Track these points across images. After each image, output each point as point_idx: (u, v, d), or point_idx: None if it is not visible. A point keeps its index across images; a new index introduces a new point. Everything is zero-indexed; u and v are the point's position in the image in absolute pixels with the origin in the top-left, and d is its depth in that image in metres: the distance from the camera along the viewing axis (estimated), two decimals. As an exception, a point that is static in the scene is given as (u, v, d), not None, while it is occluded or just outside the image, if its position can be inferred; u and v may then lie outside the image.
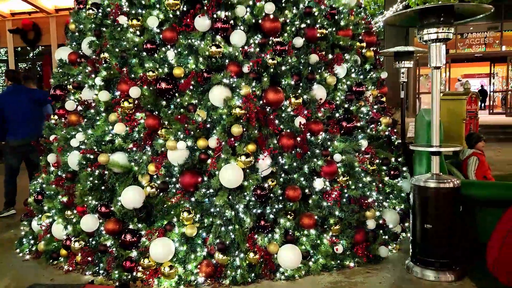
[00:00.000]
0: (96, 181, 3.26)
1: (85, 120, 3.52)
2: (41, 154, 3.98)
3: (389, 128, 4.07)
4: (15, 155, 5.23)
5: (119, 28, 3.47)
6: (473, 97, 5.56)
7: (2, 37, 18.22)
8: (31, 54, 18.47)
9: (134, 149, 3.25)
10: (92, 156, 3.26)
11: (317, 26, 3.58)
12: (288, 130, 3.25)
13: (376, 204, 3.54)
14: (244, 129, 3.08)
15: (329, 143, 3.38)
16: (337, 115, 3.57)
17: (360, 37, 4.03)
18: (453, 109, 5.33)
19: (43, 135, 3.98)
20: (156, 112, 3.24)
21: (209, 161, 3.08)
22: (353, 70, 3.79)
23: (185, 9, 3.35)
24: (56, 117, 3.86)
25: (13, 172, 5.28)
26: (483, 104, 22.16)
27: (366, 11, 14.27)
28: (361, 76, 3.92)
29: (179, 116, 3.13)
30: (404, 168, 3.99)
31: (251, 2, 3.38)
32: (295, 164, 3.23)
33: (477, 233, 3.28)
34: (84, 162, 3.27)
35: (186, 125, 3.11)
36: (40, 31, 17.50)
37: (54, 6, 17.10)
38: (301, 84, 3.40)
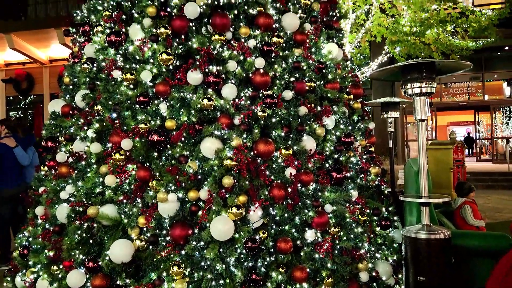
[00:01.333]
0: (84, 235, 3.21)
1: (76, 172, 3.52)
2: (28, 206, 3.93)
3: (379, 178, 4.11)
4: (8, 204, 5.17)
5: (113, 82, 3.56)
6: (459, 146, 5.70)
7: (-6, 87, 18.38)
8: (23, 103, 18.59)
9: (124, 201, 3.23)
10: (81, 209, 3.23)
11: (306, 79, 3.71)
12: (279, 181, 3.27)
13: (368, 255, 3.52)
14: (235, 180, 3.10)
15: (319, 193, 3.40)
16: (327, 165, 3.62)
17: (348, 90, 4.17)
18: (440, 158, 5.44)
19: (32, 187, 3.95)
20: (148, 164, 3.26)
21: (200, 213, 3.07)
22: (341, 121, 3.89)
23: (178, 64, 3.46)
24: (46, 168, 3.85)
25: (5, 222, 5.19)
26: (470, 151, 22.55)
27: (352, 62, 14.81)
28: (350, 127, 4.01)
29: (170, 168, 3.15)
30: (396, 218, 4.00)
31: (242, 57, 3.51)
32: (286, 215, 3.23)
33: (472, 282, 3.25)
34: (73, 215, 3.23)
35: (177, 176, 3.11)
36: (33, 81, 17.75)
37: (48, 57, 17.47)
38: (291, 135, 3.47)
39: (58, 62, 17.19)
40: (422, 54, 11.66)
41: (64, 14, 21.72)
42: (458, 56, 11.67)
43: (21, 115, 18.47)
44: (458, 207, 4.48)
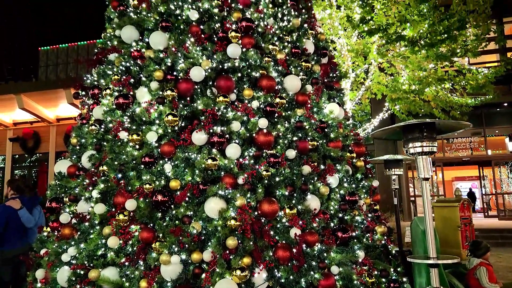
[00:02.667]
0: (84, 299, 3.12)
1: (79, 233, 3.49)
2: (29, 269, 3.85)
3: (385, 237, 4.05)
4: (9, 266, 5.07)
5: (119, 143, 3.63)
6: (465, 203, 5.65)
7: (1, 145, 18.70)
8: (28, 161, 18.77)
9: (127, 263, 3.17)
10: (82, 272, 3.16)
11: (309, 138, 3.78)
12: (284, 242, 3.22)
13: (378, 319, 3.38)
14: (239, 241, 3.06)
15: (325, 254, 3.34)
16: (332, 225, 3.58)
17: (350, 148, 4.22)
18: (447, 216, 5.37)
19: (34, 249, 3.89)
20: (151, 225, 3.24)
21: (203, 275, 3.00)
22: (345, 180, 3.90)
23: (183, 124, 3.55)
24: (49, 229, 3.83)
25: (5, 284, 5.06)
26: (473, 207, 22.21)
27: (354, 119, 15.05)
28: (353, 186, 4.01)
29: (174, 229, 3.12)
30: (405, 279, 3.88)
31: (245, 118, 3.60)
32: (291, 277, 3.14)
33: None
34: (74, 279, 3.16)
35: (180, 237, 3.08)
36: (39, 140, 18.05)
37: (55, 116, 17.88)
38: (295, 194, 3.47)
39: (65, 121, 17.58)
40: (422, 110, 11.87)
41: (73, 75, 22.56)
42: (458, 113, 11.86)
43: (26, 173, 18.58)
44: (472, 268, 4.34)
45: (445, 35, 9.79)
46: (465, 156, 19.36)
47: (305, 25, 4.67)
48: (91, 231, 3.41)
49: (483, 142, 18.94)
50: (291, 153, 3.61)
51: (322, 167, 3.76)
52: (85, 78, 4.50)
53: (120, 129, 3.65)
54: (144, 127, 3.60)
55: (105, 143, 3.74)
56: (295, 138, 3.73)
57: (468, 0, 10.83)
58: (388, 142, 16.20)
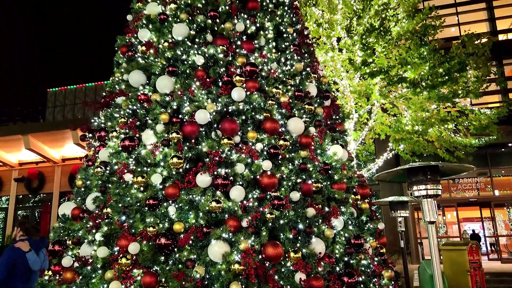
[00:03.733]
0: None
1: (80, 277, 3.44)
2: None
3: (393, 282, 3.95)
4: None
5: (124, 185, 3.64)
6: (474, 247, 5.53)
7: (6, 185, 18.74)
8: (32, 201, 18.73)
9: (128, 309, 3.11)
10: (82, 318, 3.09)
11: (312, 180, 3.78)
12: (289, 287, 3.15)
13: None
14: (244, 286, 3.00)
15: (331, 300, 3.25)
16: (337, 269, 3.52)
17: (355, 190, 4.20)
18: (455, 259, 5.25)
19: (34, 294, 3.83)
20: (154, 269, 3.19)
21: (206, 322, 2.92)
22: (350, 222, 3.86)
23: (187, 166, 3.58)
24: (50, 273, 3.77)
25: None
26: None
27: (358, 159, 15.03)
28: (359, 228, 3.97)
29: (177, 273, 3.08)
30: (413, 326, 3.75)
31: (249, 160, 3.62)
32: (297, 324, 3.06)
33: None
34: (74, 325, 3.09)
35: (183, 282, 3.03)
36: (44, 180, 18.09)
37: (61, 156, 18.01)
38: (299, 238, 3.43)
39: (71, 161, 17.69)
40: (426, 151, 11.88)
41: (80, 116, 22.92)
42: (463, 153, 11.85)
43: (29, 214, 18.50)
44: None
45: (446, 77, 9.97)
46: (471, 196, 19.13)
47: (308, 69, 4.78)
48: (93, 275, 3.36)
49: (489, 182, 18.78)
50: (295, 195, 3.61)
51: (326, 209, 3.74)
52: (92, 120, 4.58)
53: (125, 171, 3.67)
54: (149, 169, 3.63)
55: (110, 185, 3.76)
56: (299, 180, 3.74)
57: (467, 43, 11.10)
58: (393, 184, 16.10)
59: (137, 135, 3.86)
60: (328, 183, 3.94)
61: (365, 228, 4.06)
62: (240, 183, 3.51)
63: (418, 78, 10.20)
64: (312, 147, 4.06)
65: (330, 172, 4.01)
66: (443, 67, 10.04)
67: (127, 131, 3.95)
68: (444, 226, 19.30)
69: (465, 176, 19.00)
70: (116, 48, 4.88)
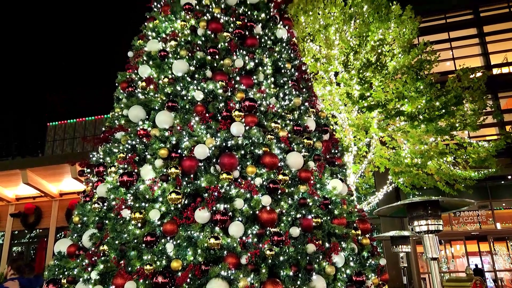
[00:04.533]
0: None
1: (74, 317, 3.34)
2: None
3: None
4: None
5: (121, 221, 3.59)
6: (478, 283, 5.40)
7: (2, 221, 18.51)
8: (27, 237, 18.44)
9: None
10: None
11: (312, 216, 3.74)
12: (289, 327, 3.06)
13: None
14: (242, 327, 2.90)
15: None
16: (339, 308, 3.42)
17: (355, 225, 4.15)
18: (459, 296, 5.12)
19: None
20: (150, 308, 3.10)
21: None
22: (351, 258, 3.79)
23: (186, 202, 3.54)
24: (43, 314, 3.66)
25: None
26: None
27: (358, 192, 14.95)
28: (360, 265, 3.89)
29: (174, 313, 2.98)
30: None
31: (248, 195, 3.59)
32: None
33: None
34: None
35: (180, 323, 2.93)
36: (41, 215, 17.88)
37: (59, 190, 17.88)
38: (300, 275, 3.35)
39: (68, 195, 17.55)
40: (426, 184, 11.83)
41: (79, 150, 22.93)
42: (463, 186, 11.80)
43: (24, 250, 18.15)
44: None
45: (443, 111, 10.06)
46: (473, 230, 18.90)
47: (306, 104, 4.83)
48: (88, 316, 3.26)
49: (491, 215, 18.60)
50: (295, 231, 3.56)
51: (327, 245, 3.68)
52: (91, 155, 4.58)
53: (123, 207, 3.63)
54: (147, 205, 3.59)
55: (107, 222, 3.71)
56: (298, 215, 3.70)
57: (463, 77, 11.29)
58: (394, 219, 15.95)
59: (136, 170, 3.85)
60: (328, 218, 3.89)
61: (367, 264, 3.98)
62: (239, 218, 3.47)
63: (415, 111, 10.29)
64: (312, 182, 4.04)
65: (330, 206, 3.97)
66: (439, 101, 10.15)
67: (125, 166, 3.94)
68: (446, 261, 18.96)
69: (466, 210, 18.84)
70: (116, 84, 4.94)
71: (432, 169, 11.37)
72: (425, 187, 12.29)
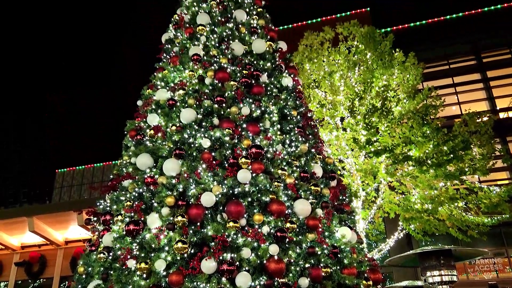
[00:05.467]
0: None
1: None
2: None
3: None
4: None
5: (126, 272, 3.53)
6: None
7: (6, 270, 18.22)
8: (31, 286, 18.05)
9: None
10: None
11: (321, 265, 3.64)
12: None
13: None
14: None
15: None
16: None
17: (366, 275, 4.02)
18: None
19: None
20: None
21: None
22: (363, 310, 3.64)
23: (192, 251, 3.48)
24: None
25: None
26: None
27: (368, 238, 14.60)
28: (373, 317, 3.74)
29: None
30: None
31: (256, 244, 3.52)
32: None
33: None
34: None
35: None
36: (45, 264, 17.59)
37: (64, 238, 17.71)
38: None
39: (74, 243, 17.34)
40: (438, 230, 11.54)
41: (86, 196, 22.92)
42: (476, 232, 11.49)
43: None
44: None
45: (451, 155, 10.00)
46: (490, 279, 18.19)
47: (313, 150, 4.84)
48: None
49: (507, 263, 17.96)
50: (304, 282, 3.45)
51: (337, 296, 3.55)
52: (98, 203, 4.57)
53: (129, 256, 3.58)
54: (153, 255, 3.53)
55: (112, 272, 3.64)
56: (307, 265, 3.61)
57: (469, 122, 11.30)
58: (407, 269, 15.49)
59: (142, 219, 3.82)
60: (338, 267, 3.78)
61: (380, 316, 3.82)
62: (246, 268, 3.38)
63: (423, 156, 10.23)
64: (320, 230, 3.97)
65: (339, 255, 3.88)
66: (447, 145, 10.11)
67: (132, 214, 3.92)
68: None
69: (481, 257, 18.24)
70: (125, 132, 5.02)
71: (443, 215, 11.13)
72: (437, 234, 11.97)
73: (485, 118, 11.67)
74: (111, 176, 4.76)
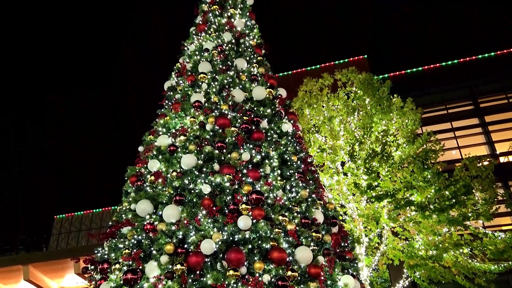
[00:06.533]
0: None
1: None
2: None
3: None
4: None
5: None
6: None
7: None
8: None
9: None
10: None
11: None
12: None
13: None
14: None
15: None
16: None
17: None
18: None
19: None
20: None
21: None
22: None
23: (191, 302, 3.37)
24: None
25: None
26: None
27: (373, 287, 14.17)
28: None
29: None
30: None
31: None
32: None
33: None
34: None
35: None
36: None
37: (59, 287, 17.20)
38: None
39: (69, 292, 16.83)
40: (444, 278, 11.22)
41: (84, 243, 22.51)
42: (484, 280, 11.16)
43: None
44: None
45: (453, 200, 9.91)
46: (501, 328, 17.46)
47: (314, 196, 4.82)
48: None
49: (518, 312, 17.30)
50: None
51: None
52: (95, 251, 4.49)
53: (125, 308, 3.47)
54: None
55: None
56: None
57: (470, 166, 11.28)
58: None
59: (140, 267, 3.74)
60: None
61: None
62: (247, 320, 3.27)
63: (425, 201, 10.14)
64: (322, 278, 3.87)
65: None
66: (449, 190, 10.05)
67: (130, 263, 3.84)
68: None
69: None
70: (126, 178, 5.02)
71: (449, 261, 10.87)
72: (443, 282, 11.63)
73: (485, 163, 11.67)
74: (110, 223, 4.70)
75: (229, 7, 6.55)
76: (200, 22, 6.64)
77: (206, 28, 6.38)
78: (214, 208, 4.03)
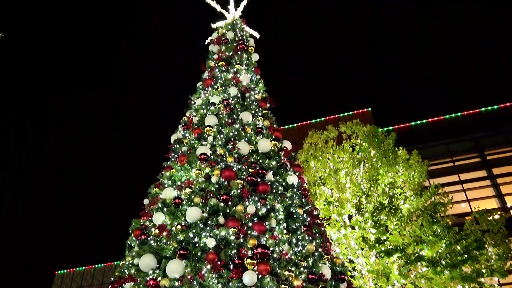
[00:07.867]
0: None
1: None
2: None
3: None
4: None
5: None
6: None
7: None
8: None
9: None
10: None
11: None
12: None
13: None
14: None
15: None
16: None
17: None
18: None
19: None
20: None
21: None
22: None
23: None
24: None
25: None
26: None
27: None
28: None
29: None
30: None
31: None
32: None
33: None
34: None
35: None
36: None
37: None
38: None
39: None
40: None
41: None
42: None
43: None
44: None
45: (465, 255, 9.61)
46: None
47: (320, 250, 4.70)
48: None
49: None
50: None
51: None
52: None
53: None
54: None
55: None
56: None
57: (480, 220, 11.02)
58: None
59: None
60: None
61: None
62: None
63: (436, 256, 9.84)
64: (331, 338, 3.68)
65: None
66: (460, 245, 9.76)
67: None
68: None
69: None
70: (130, 231, 4.95)
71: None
72: None
73: (496, 216, 11.42)
74: (112, 279, 4.58)
75: (235, 63, 6.78)
76: (207, 77, 6.85)
77: (212, 83, 6.57)
78: (218, 262, 3.94)
